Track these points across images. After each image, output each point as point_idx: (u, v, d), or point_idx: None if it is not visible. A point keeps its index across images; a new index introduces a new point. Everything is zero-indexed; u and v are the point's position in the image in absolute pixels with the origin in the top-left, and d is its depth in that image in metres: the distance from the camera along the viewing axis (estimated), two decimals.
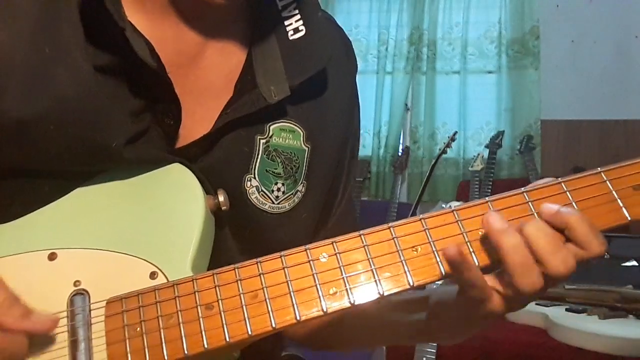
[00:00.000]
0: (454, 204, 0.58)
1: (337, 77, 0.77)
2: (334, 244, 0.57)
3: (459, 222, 0.57)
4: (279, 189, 0.73)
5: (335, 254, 0.57)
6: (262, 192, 0.72)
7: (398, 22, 3.54)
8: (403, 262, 0.56)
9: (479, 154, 3.14)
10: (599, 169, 0.58)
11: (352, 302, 0.55)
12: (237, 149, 0.70)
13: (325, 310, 0.55)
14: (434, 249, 0.56)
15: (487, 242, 0.55)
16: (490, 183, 3.02)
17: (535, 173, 3.06)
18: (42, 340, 0.55)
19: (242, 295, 0.56)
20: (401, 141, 3.58)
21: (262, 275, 0.56)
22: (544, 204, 0.55)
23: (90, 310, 0.57)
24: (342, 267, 0.56)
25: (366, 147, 3.54)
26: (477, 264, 0.55)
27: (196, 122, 0.69)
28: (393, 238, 0.57)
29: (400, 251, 0.56)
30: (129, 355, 0.55)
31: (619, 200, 0.56)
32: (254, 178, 0.71)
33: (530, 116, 3.32)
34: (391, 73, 3.55)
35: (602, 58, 3.27)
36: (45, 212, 0.64)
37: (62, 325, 0.56)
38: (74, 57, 0.60)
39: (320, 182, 0.78)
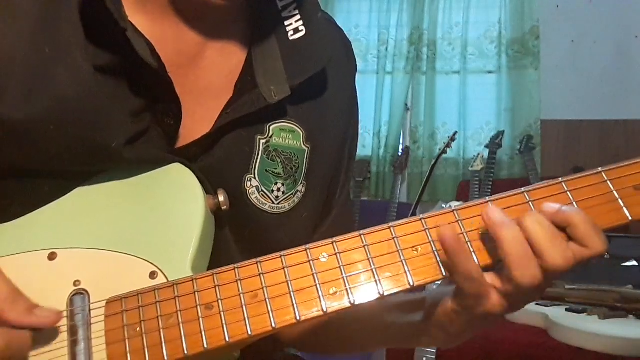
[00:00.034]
0: (454, 204, 0.58)
1: (337, 78, 0.77)
2: (334, 243, 0.57)
3: (459, 222, 0.56)
4: (279, 189, 0.73)
5: (335, 254, 0.56)
6: (262, 192, 0.72)
7: (398, 22, 3.53)
8: (403, 262, 0.56)
9: (479, 154, 3.14)
10: (599, 168, 0.58)
11: (352, 302, 0.55)
12: (237, 149, 0.70)
13: (325, 310, 0.55)
14: (434, 249, 0.56)
15: (488, 242, 0.55)
16: (490, 183, 3.02)
17: (535, 173, 3.05)
18: (42, 339, 0.55)
19: (242, 295, 0.55)
20: (401, 141, 3.57)
21: (262, 275, 0.56)
22: (545, 203, 0.55)
23: (90, 310, 0.57)
24: (342, 267, 0.56)
25: (366, 147, 3.53)
26: (477, 263, 0.55)
27: (196, 122, 0.69)
28: (393, 238, 0.57)
29: (400, 251, 0.56)
30: (128, 355, 0.55)
31: (619, 200, 0.56)
32: (254, 178, 0.71)
33: (530, 116, 3.32)
34: (391, 73, 3.54)
35: (602, 58, 3.27)
36: (45, 211, 0.64)
37: (62, 325, 0.56)
38: (74, 57, 0.60)
39: (319, 182, 0.78)
